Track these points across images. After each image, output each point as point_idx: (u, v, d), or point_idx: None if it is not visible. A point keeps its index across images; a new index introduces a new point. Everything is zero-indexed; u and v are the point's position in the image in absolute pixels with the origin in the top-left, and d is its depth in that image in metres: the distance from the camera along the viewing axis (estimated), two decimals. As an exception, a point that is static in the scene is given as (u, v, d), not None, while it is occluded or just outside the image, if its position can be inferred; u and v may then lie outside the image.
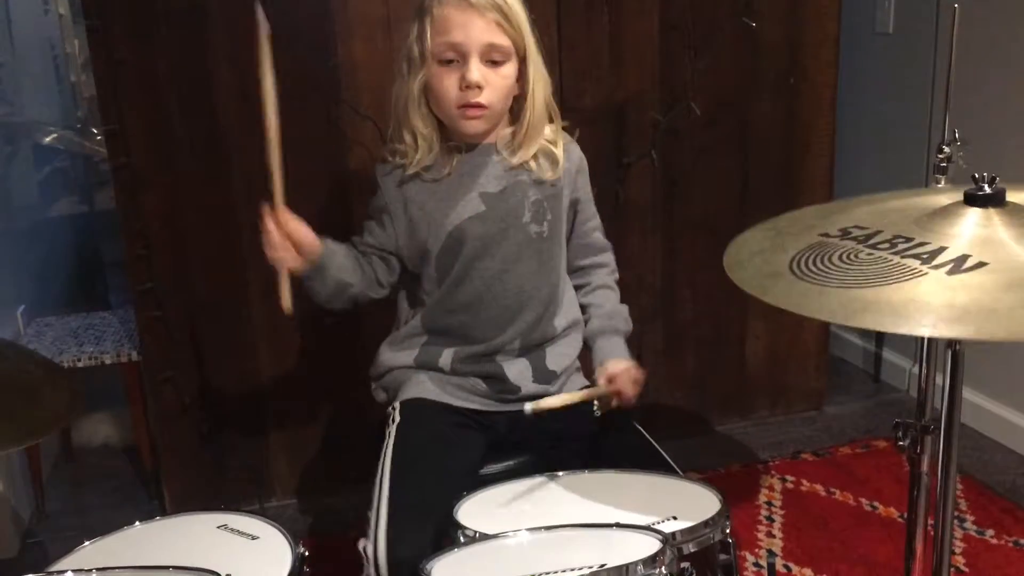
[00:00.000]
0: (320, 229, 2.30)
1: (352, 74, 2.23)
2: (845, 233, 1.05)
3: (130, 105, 2.14)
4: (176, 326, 2.30)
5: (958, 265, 0.94)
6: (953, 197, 1.08)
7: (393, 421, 1.56)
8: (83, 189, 4.02)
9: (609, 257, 1.74)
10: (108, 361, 2.44)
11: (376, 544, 1.32)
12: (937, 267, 0.92)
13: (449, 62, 1.46)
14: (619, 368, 1.54)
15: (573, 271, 1.71)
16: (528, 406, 1.41)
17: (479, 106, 1.47)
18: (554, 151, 1.57)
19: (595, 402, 1.51)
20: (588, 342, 1.66)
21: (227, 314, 2.33)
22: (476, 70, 1.44)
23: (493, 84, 1.47)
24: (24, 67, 3.68)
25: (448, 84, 1.47)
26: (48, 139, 3.66)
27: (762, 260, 1.06)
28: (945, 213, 1.04)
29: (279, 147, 1.36)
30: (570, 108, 2.26)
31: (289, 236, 1.41)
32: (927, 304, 0.89)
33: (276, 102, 1.34)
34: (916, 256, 0.95)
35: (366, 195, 1.67)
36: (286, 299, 1.40)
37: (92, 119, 4.12)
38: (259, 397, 2.40)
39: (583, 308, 1.69)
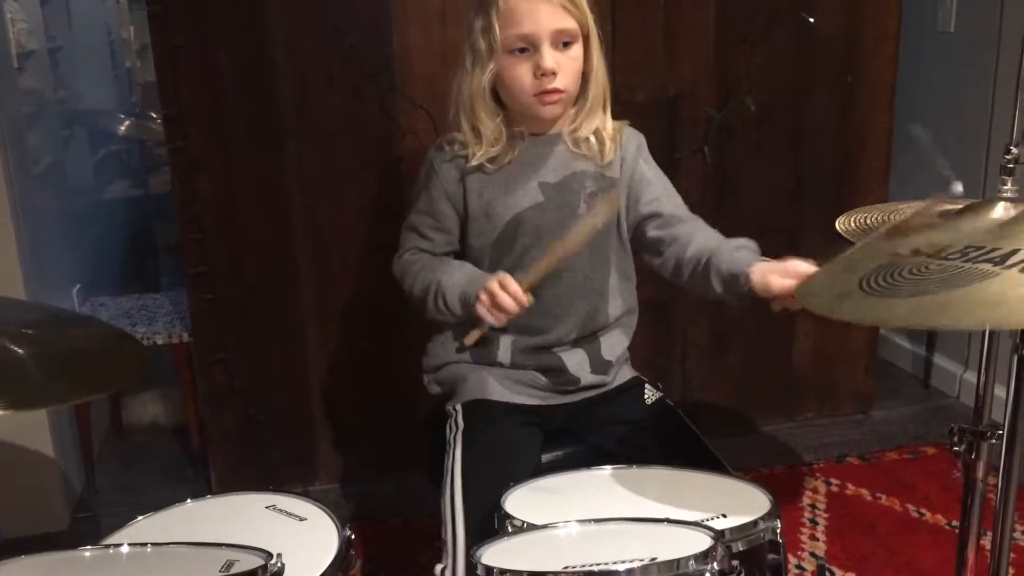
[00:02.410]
0: (371, 217, 2.33)
1: (406, 63, 2.24)
2: (916, 252, 1.03)
3: (188, 90, 2.17)
4: (228, 309, 2.32)
5: (1033, 263, 0.92)
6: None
7: (456, 425, 1.53)
8: (137, 173, 4.10)
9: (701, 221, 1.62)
10: (160, 342, 2.48)
11: (456, 569, 1.30)
12: (1010, 267, 0.90)
13: (521, 51, 1.45)
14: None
15: (656, 247, 1.59)
16: None
17: (556, 91, 1.46)
18: (604, 133, 1.55)
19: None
20: (723, 266, 1.52)
21: (278, 299, 2.35)
22: (549, 57, 1.43)
23: (565, 67, 1.46)
24: (81, 52, 3.76)
25: (521, 73, 1.45)
26: (114, 125, 3.73)
27: (831, 285, 1.07)
28: (1019, 220, 1.01)
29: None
30: (622, 102, 2.23)
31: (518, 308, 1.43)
32: (999, 299, 0.86)
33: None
34: (988, 261, 0.93)
35: (418, 183, 1.67)
36: (472, 339, 1.54)
37: (146, 104, 4.20)
38: (307, 381, 2.42)
39: (683, 254, 1.55)
